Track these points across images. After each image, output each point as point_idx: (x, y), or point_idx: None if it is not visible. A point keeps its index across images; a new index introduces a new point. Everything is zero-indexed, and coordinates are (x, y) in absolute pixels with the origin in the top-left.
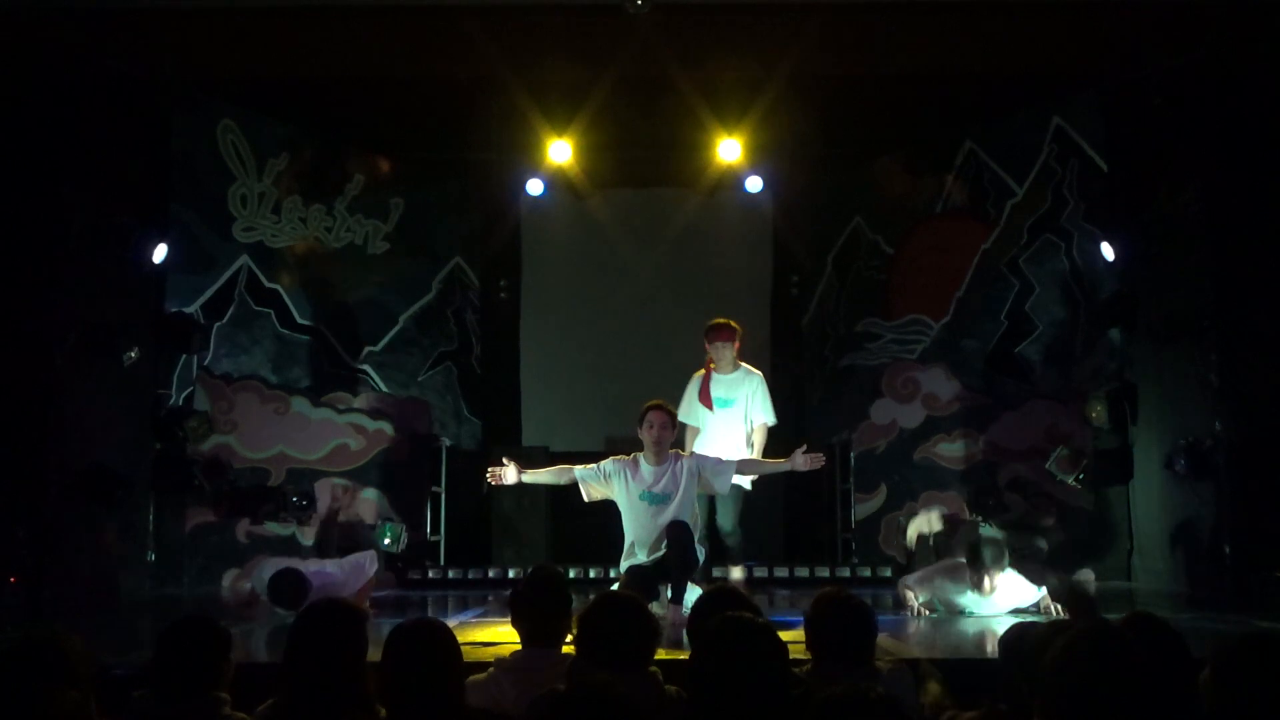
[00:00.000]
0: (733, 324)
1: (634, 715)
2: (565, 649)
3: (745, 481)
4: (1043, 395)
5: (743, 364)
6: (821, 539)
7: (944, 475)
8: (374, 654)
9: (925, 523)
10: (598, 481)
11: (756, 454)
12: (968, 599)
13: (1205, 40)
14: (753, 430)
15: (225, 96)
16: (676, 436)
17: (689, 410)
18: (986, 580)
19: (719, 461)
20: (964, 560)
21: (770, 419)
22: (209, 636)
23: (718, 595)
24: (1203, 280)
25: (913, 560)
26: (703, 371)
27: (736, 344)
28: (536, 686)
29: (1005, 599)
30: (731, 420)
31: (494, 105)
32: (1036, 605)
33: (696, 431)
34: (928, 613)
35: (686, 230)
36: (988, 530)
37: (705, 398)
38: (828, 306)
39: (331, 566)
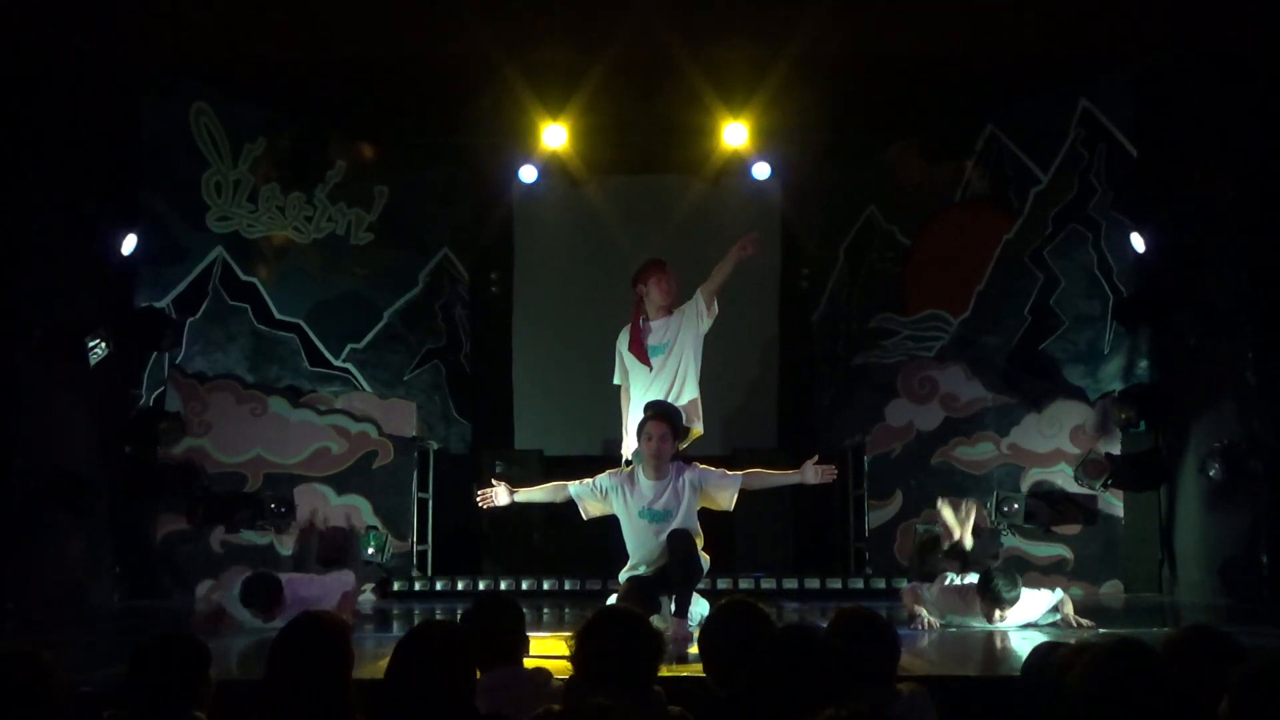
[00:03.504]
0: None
1: None
2: (528, 663)
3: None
4: (1068, 395)
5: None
6: (833, 548)
7: (963, 481)
8: (358, 669)
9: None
10: (595, 499)
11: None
12: (979, 623)
13: (1240, 18)
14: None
15: (199, 77)
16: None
17: (621, 372)
18: (998, 613)
19: (723, 475)
20: (975, 587)
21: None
22: (187, 653)
23: (734, 608)
24: (1239, 272)
25: (923, 559)
26: (629, 326)
27: (671, 281)
28: (515, 705)
29: (1019, 618)
30: (669, 366)
31: (485, 87)
32: (1055, 609)
33: (628, 395)
34: (939, 625)
35: (689, 220)
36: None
37: (638, 350)
38: (840, 301)
39: (309, 578)
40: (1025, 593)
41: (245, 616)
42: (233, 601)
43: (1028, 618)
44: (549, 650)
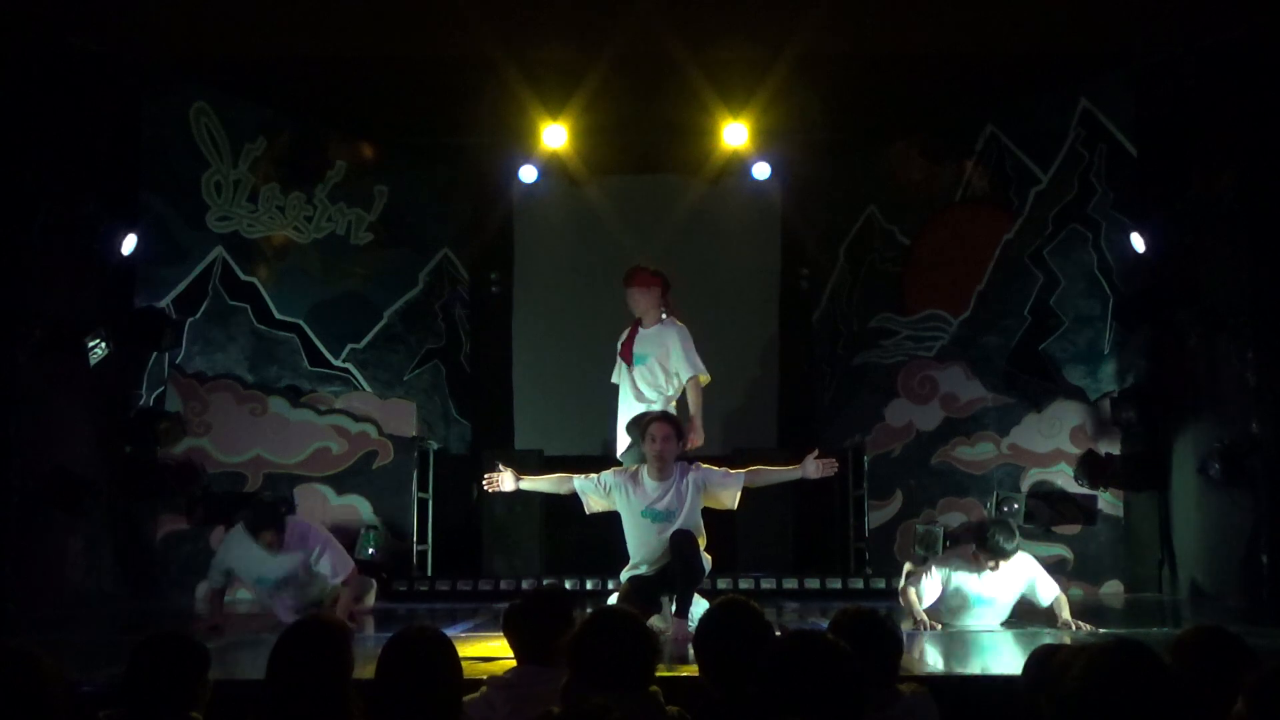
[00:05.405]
0: (650, 269)
1: None
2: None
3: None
4: (1069, 396)
5: (665, 316)
6: (833, 548)
7: (963, 481)
8: (358, 671)
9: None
10: (598, 494)
11: (694, 412)
12: (980, 582)
13: (1243, 16)
14: (680, 388)
15: (199, 77)
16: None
17: (616, 370)
18: (1003, 563)
19: (725, 474)
20: (973, 547)
21: (697, 371)
22: (185, 653)
23: (729, 608)
24: (1239, 273)
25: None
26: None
27: (655, 291)
28: (532, 706)
29: (1015, 574)
30: (647, 376)
31: (485, 87)
32: (1051, 609)
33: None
34: (936, 626)
35: (689, 220)
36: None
37: (625, 352)
38: (840, 301)
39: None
40: (1023, 554)
41: (247, 554)
42: (238, 537)
43: (1025, 576)
44: None
